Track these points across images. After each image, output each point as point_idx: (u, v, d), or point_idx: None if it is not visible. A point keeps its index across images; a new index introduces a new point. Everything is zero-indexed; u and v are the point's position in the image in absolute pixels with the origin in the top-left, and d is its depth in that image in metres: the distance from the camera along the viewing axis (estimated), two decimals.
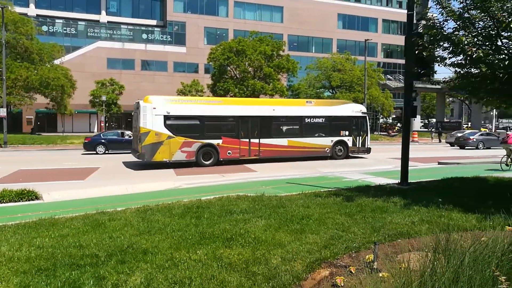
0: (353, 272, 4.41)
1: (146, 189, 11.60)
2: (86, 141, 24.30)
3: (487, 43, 8.27)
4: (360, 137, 21.78)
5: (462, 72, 9.16)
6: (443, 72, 43.20)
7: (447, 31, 8.66)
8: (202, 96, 46.11)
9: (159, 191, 11.31)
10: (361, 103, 36.94)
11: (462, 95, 22.25)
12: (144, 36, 53.40)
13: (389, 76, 58.59)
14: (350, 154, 21.50)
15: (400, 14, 60.83)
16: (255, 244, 5.40)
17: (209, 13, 54.70)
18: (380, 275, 4.09)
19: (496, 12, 7.42)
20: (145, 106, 16.86)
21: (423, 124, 69.46)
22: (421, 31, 10.10)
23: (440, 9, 8.61)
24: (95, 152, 23.65)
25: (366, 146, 22.02)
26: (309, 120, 20.49)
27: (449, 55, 8.85)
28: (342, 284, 4.08)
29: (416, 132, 42.14)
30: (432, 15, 9.55)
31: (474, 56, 7.55)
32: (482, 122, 57.63)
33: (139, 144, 16.78)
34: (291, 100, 26.67)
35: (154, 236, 5.83)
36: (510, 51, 7.85)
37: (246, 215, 7.06)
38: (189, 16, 53.77)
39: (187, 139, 17.45)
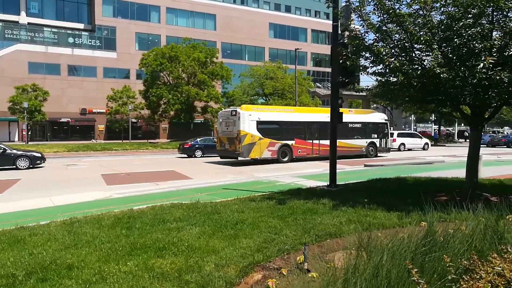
0: (285, 274, 4.53)
1: (74, 200, 10.94)
2: (186, 146, 27.59)
3: (403, 54, 8.95)
4: (384, 139, 27.36)
5: (382, 80, 9.81)
6: (367, 81, 46.52)
7: (368, 42, 9.26)
8: (133, 102, 44.77)
9: (88, 202, 10.72)
10: None
11: (384, 102, 24.45)
12: (71, 40, 50.61)
13: (318, 84, 61.20)
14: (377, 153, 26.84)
15: (327, 24, 63.95)
16: (188, 252, 5.34)
17: (141, 19, 53.32)
18: (310, 275, 4.26)
19: (409, 26, 8.09)
20: (244, 113, 21.02)
21: None
22: (346, 41, 10.70)
23: (361, 22, 9.19)
24: (193, 156, 27.12)
25: (387, 147, 27.83)
26: (352, 125, 25.50)
27: (371, 65, 9.43)
28: (274, 286, 4.18)
29: None
30: (354, 27, 10.17)
31: (391, 66, 8.16)
32: (403, 126, 62.16)
33: (239, 145, 20.70)
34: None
35: (81, 249, 5.53)
36: (422, 62, 8.59)
37: (180, 223, 6.96)
38: (119, 21, 51.99)
39: (271, 140, 21.82)
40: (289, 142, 22.44)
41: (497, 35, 7.77)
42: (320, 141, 23.49)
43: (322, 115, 23.70)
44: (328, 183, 11.49)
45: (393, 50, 8.88)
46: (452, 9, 7.84)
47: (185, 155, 27.59)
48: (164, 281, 4.41)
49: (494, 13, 7.79)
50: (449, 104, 9.44)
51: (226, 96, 50.59)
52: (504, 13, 7.67)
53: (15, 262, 5.03)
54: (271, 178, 15.52)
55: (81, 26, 51.49)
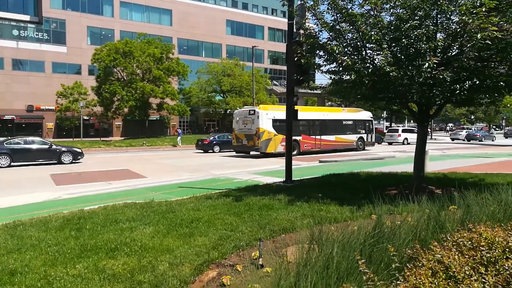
0: (240, 270, 4.54)
1: (18, 202, 10.34)
2: (205, 142, 29.95)
3: (355, 53, 9.22)
4: (370, 134, 30.77)
5: (336, 78, 10.04)
6: (323, 79, 47.94)
7: (322, 41, 9.45)
8: (85, 98, 43.17)
9: (35, 203, 10.17)
10: None
11: (338, 99, 26.00)
12: (15, 32, 47.69)
13: (275, 82, 61.71)
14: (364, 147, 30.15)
15: (284, 23, 64.17)
16: (141, 252, 5.21)
17: (93, 12, 51.20)
18: (264, 270, 4.30)
19: (361, 26, 8.34)
20: (262, 112, 23.68)
21: None
22: (301, 39, 10.85)
23: (316, 20, 9.36)
24: (212, 151, 29.33)
25: (372, 141, 31.24)
26: (345, 122, 28.85)
27: (324, 63, 9.63)
28: (229, 283, 4.17)
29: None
30: (309, 26, 10.33)
31: (344, 64, 8.38)
32: None
33: (258, 140, 23.36)
34: (333, 108, 32.74)
35: (25, 253, 5.24)
36: (373, 60, 8.89)
37: (133, 223, 6.78)
38: (70, 13, 49.66)
39: (283, 136, 23.71)
40: (297, 138, 24.83)
41: (441, 37, 8.19)
42: (321, 136, 26.76)
43: (323, 113, 27.59)
44: (284, 179, 11.64)
45: (346, 49, 9.11)
46: (401, 10, 8.16)
47: (201, 151, 30.00)
48: (115, 283, 4.28)
49: (438, 16, 8.20)
50: (398, 101, 9.85)
51: (183, 93, 49.93)
52: (447, 15, 8.09)
53: None
54: (228, 175, 15.49)
55: (27, 18, 48.57)
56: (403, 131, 40.81)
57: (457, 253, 2.82)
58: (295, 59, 9.97)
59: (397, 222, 4.20)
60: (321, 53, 9.53)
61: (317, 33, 9.77)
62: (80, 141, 38.11)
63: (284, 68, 66.18)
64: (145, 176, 15.64)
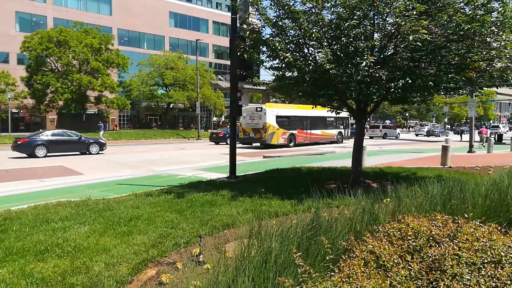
0: (180, 267, 4.46)
1: None
2: (220, 135, 33.47)
3: (297, 50, 9.38)
4: (346, 129, 35.76)
5: (279, 74, 10.17)
6: (267, 75, 48.77)
7: (265, 37, 9.51)
8: (14, 90, 40.19)
9: None
10: (195, 102, 40.93)
11: (281, 96, 27.07)
12: None
13: (220, 77, 61.34)
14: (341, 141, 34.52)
15: (229, 17, 64.07)
16: (75, 253, 4.94)
17: None
18: (205, 267, 4.24)
19: (303, 23, 8.49)
20: (268, 109, 28.02)
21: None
22: (244, 35, 10.83)
23: (259, 16, 9.38)
24: (226, 143, 30.58)
25: (348, 135, 35.46)
26: (329, 119, 32.50)
27: (267, 59, 9.71)
28: (167, 282, 4.08)
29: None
30: (252, 21, 10.35)
31: (286, 61, 8.49)
32: None
33: (265, 133, 27.46)
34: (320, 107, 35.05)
35: None
36: (314, 58, 9.10)
37: (66, 223, 6.40)
38: None
39: (284, 130, 28.81)
40: (294, 132, 29.69)
41: (378, 37, 8.57)
42: (311, 131, 31.34)
43: (311, 111, 30.29)
44: (228, 175, 11.61)
45: (288, 46, 9.22)
46: (341, 9, 8.41)
47: (213, 143, 33.65)
48: (44, 287, 4.01)
49: (375, 17, 8.56)
50: (338, 98, 10.18)
51: (123, 86, 48.05)
52: (383, 17, 8.47)
53: None
54: (171, 171, 15.17)
55: None
56: (383, 127, 49.13)
57: (387, 243, 2.96)
58: (239, 54, 9.93)
59: (335, 215, 4.33)
60: (264, 49, 9.58)
61: (260, 28, 9.81)
62: (8, 136, 35.36)
63: (229, 62, 66.00)
64: (82, 173, 14.88)
